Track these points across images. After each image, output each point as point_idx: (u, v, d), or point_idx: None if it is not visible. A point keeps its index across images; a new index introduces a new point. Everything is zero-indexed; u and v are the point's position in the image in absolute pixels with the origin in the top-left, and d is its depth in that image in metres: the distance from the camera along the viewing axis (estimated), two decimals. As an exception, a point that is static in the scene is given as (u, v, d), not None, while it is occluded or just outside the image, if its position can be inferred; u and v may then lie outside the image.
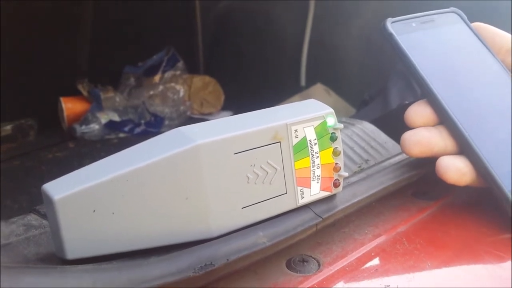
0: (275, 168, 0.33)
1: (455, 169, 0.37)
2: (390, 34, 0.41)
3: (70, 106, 1.33)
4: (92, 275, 0.26)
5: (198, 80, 1.51)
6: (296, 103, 0.37)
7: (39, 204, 0.33)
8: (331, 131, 0.35)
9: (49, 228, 0.29)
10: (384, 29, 0.41)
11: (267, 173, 0.33)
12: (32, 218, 0.33)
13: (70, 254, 0.28)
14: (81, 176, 0.29)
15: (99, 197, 0.28)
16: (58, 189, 0.28)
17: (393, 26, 0.41)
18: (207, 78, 1.52)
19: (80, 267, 0.27)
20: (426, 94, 0.40)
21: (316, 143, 0.35)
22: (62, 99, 1.32)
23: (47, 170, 1.13)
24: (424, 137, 0.38)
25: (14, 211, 0.92)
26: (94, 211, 0.28)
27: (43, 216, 0.33)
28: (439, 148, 0.38)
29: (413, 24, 0.42)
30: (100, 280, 0.26)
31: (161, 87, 1.41)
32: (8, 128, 1.25)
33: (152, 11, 1.46)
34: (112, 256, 0.29)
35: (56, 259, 0.29)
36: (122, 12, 1.41)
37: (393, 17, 0.42)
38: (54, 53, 1.29)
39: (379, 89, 0.81)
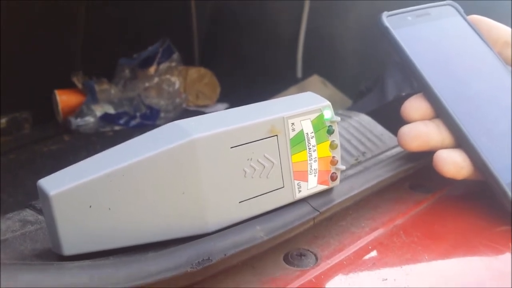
0: (272, 162, 0.33)
1: (453, 163, 0.37)
2: (386, 28, 0.41)
3: (65, 99, 1.32)
4: (89, 272, 0.26)
5: (194, 72, 1.50)
6: (293, 96, 0.37)
7: (34, 197, 0.33)
8: (328, 124, 0.35)
9: (45, 223, 0.29)
10: (379, 23, 0.41)
11: (264, 167, 0.33)
12: (28, 214, 0.33)
13: (67, 250, 0.28)
14: (76, 171, 0.29)
15: (95, 193, 0.28)
16: (53, 184, 0.27)
17: (388, 20, 0.41)
18: (202, 70, 1.51)
19: (76, 263, 0.27)
20: (422, 88, 0.40)
21: (313, 136, 0.34)
22: (56, 92, 1.31)
23: (42, 163, 1.13)
24: (421, 131, 0.38)
25: (10, 205, 0.92)
26: (90, 206, 0.28)
27: (39, 211, 0.33)
28: (436, 142, 0.38)
29: (409, 18, 0.42)
30: (97, 276, 0.25)
31: (156, 79, 1.41)
32: (3, 121, 1.24)
33: (147, 2, 1.45)
34: (109, 252, 0.29)
35: (52, 255, 0.29)
36: (116, 3, 1.41)
37: (389, 9, 0.42)
38: (48, 45, 1.28)
39: (376, 80, 0.81)
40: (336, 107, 0.37)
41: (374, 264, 0.33)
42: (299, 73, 1.42)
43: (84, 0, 1.33)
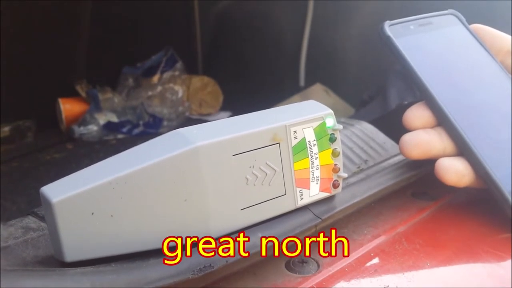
0: (274, 170, 0.33)
1: (454, 171, 0.37)
2: (388, 37, 0.41)
3: (68, 107, 1.33)
4: (91, 278, 0.26)
5: (197, 81, 1.50)
6: (295, 104, 0.37)
7: (37, 205, 0.33)
8: (330, 132, 0.35)
9: (48, 230, 0.29)
10: (382, 32, 0.41)
11: (266, 174, 0.33)
12: (30, 221, 0.33)
13: (69, 257, 0.28)
14: (79, 179, 0.29)
15: (98, 200, 0.28)
16: (56, 191, 0.28)
17: (391, 29, 0.41)
18: (205, 79, 1.52)
19: (78, 269, 0.27)
20: (424, 96, 0.40)
21: (315, 144, 0.34)
22: (60, 100, 1.32)
23: (45, 171, 1.13)
24: (423, 139, 0.38)
25: (13, 213, 0.92)
26: (92, 213, 0.28)
27: (42, 218, 0.33)
28: (438, 150, 0.38)
29: (411, 27, 0.42)
30: (98, 283, 0.26)
31: (159, 88, 1.41)
32: (6, 129, 1.24)
33: (150, 11, 1.46)
34: (111, 259, 0.29)
35: (54, 261, 0.29)
36: (120, 12, 1.41)
37: (392, 18, 0.42)
38: (52, 54, 1.28)
39: (378, 89, 0.81)
40: (338, 115, 0.38)
41: (376, 271, 0.33)
42: (302, 82, 1.42)
43: (89, 9, 1.34)
